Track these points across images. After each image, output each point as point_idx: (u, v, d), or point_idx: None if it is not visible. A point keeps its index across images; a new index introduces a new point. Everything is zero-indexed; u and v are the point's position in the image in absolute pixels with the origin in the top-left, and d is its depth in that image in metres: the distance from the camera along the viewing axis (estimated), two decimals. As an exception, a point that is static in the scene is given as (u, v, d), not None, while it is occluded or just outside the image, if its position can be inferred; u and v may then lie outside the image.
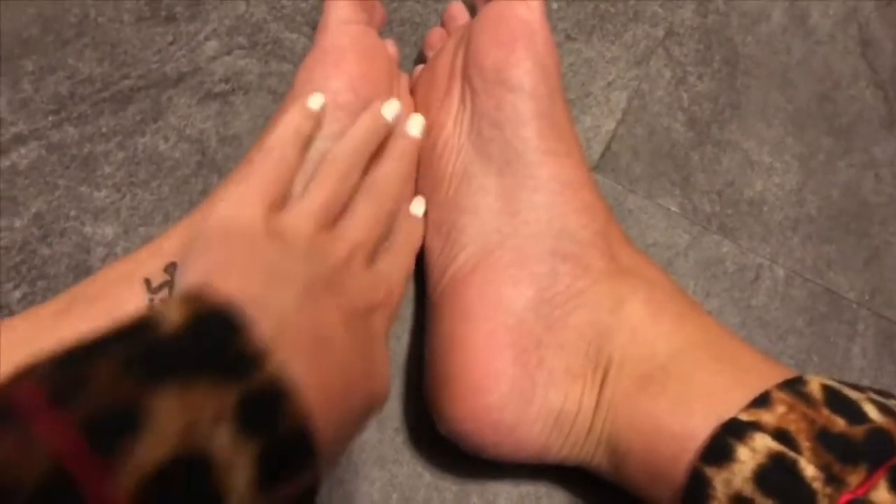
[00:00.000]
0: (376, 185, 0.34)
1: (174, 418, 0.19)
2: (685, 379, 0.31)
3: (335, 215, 0.32)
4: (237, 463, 0.20)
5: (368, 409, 0.29)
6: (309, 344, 0.25)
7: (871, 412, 0.28)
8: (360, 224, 0.32)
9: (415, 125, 0.37)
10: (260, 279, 0.25)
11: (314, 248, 0.29)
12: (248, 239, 0.27)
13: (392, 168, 0.35)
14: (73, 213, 0.40)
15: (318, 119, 0.34)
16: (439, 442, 0.35)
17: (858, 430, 0.28)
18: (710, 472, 0.28)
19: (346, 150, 0.33)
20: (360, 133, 0.34)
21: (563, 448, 0.33)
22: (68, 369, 0.20)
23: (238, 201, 0.29)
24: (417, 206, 0.38)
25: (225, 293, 0.23)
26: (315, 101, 0.34)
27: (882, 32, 0.48)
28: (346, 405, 0.26)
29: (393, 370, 0.39)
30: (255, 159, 0.31)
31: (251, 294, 0.24)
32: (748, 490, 0.27)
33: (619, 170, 0.44)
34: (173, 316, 0.22)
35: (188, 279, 0.25)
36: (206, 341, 0.21)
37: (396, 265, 0.34)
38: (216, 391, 0.20)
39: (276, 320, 0.24)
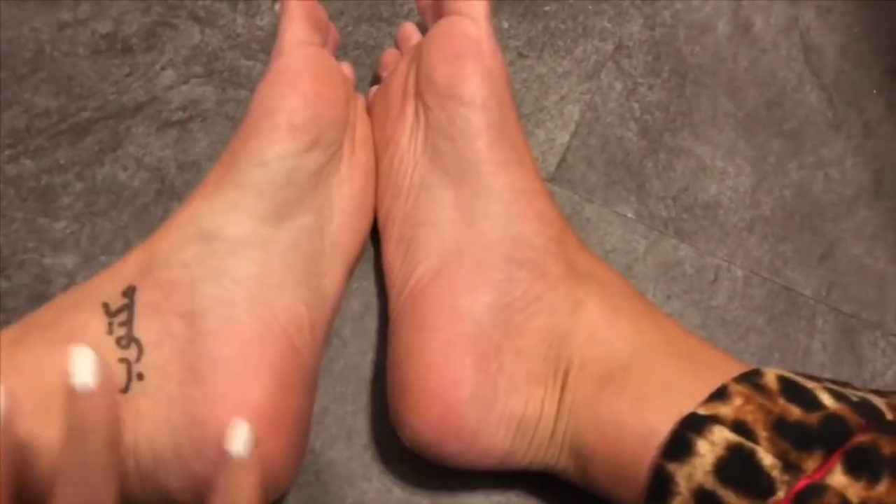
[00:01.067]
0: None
1: None
2: (644, 377, 0.32)
3: None
4: None
5: None
6: None
7: (826, 399, 0.29)
8: None
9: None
10: None
11: None
12: None
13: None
14: (31, 244, 0.40)
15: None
16: (408, 457, 0.35)
17: (813, 418, 0.28)
18: (671, 467, 0.29)
19: None
20: None
21: (528, 453, 0.33)
22: None
23: None
24: (237, 444, 0.27)
25: None
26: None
27: (823, 39, 0.50)
28: None
29: (360, 386, 0.39)
30: None
31: None
32: (709, 483, 0.28)
33: (575, 180, 0.44)
34: None
35: None
36: None
37: None
38: None
39: None
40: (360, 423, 0.38)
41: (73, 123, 0.42)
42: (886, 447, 0.27)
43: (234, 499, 0.26)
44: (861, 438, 0.27)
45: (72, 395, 0.24)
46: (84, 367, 0.24)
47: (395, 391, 0.34)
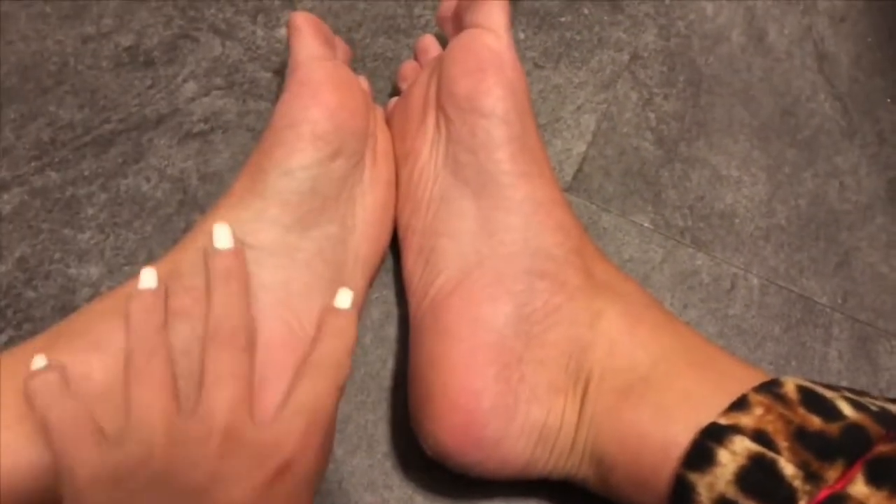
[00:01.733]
0: (218, 330, 0.31)
1: None
2: (665, 388, 0.32)
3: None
4: None
5: None
6: None
7: (846, 409, 0.29)
8: (222, 384, 0.30)
9: (221, 236, 0.34)
10: None
11: (178, 457, 0.28)
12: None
13: (223, 298, 0.32)
14: (57, 255, 0.40)
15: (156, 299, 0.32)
16: (429, 465, 0.36)
17: (834, 427, 0.28)
18: (693, 477, 0.29)
19: (222, 316, 0.32)
20: (223, 288, 0.32)
21: (549, 462, 0.34)
22: None
23: (69, 460, 0.28)
24: (344, 299, 0.35)
25: None
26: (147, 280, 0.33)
27: (837, 47, 0.50)
28: None
29: (380, 394, 0.39)
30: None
31: None
32: (731, 492, 0.28)
33: (591, 190, 0.45)
34: None
35: None
36: None
37: (314, 390, 0.31)
38: None
39: None
40: (381, 432, 0.38)
41: (96, 135, 0.43)
42: (907, 457, 0.27)
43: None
44: (882, 448, 0.28)
45: (213, 254, 0.33)
46: (223, 235, 0.33)
47: (417, 400, 0.35)
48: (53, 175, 0.42)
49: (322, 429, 0.31)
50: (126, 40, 0.45)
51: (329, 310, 0.34)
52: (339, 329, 0.34)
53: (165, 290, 0.33)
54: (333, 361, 0.32)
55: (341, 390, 0.33)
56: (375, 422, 0.39)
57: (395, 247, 0.41)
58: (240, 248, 0.34)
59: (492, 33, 0.37)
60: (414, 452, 0.36)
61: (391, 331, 0.41)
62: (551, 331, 0.34)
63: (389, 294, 0.41)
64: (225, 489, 0.28)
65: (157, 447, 0.28)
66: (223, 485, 0.28)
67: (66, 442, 0.28)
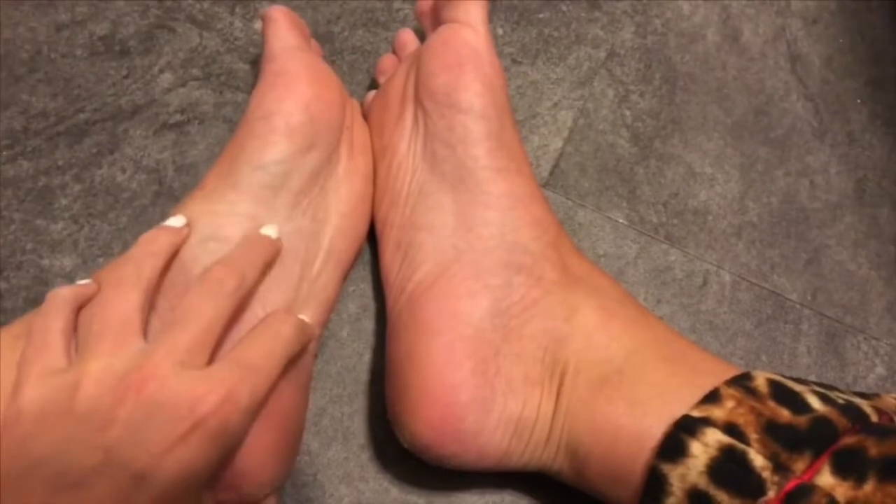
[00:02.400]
0: (210, 273, 0.31)
1: None
2: (638, 380, 0.32)
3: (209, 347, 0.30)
4: None
5: None
6: None
7: (814, 402, 0.30)
8: (184, 324, 0.29)
9: (270, 229, 0.35)
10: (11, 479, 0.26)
11: (91, 402, 0.27)
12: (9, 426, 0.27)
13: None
14: (29, 246, 0.40)
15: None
16: (405, 457, 0.36)
17: (802, 420, 0.29)
18: (666, 468, 0.29)
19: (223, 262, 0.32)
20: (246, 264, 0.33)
21: (525, 454, 0.34)
22: None
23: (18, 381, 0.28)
24: (270, 230, 0.35)
25: None
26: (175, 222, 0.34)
27: (809, 48, 0.51)
28: None
29: (356, 387, 0.39)
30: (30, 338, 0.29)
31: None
32: (703, 483, 0.28)
33: (568, 186, 0.45)
34: None
35: None
36: None
37: (253, 347, 0.31)
38: None
39: None
40: (357, 424, 0.38)
41: (70, 125, 0.42)
42: (872, 448, 0.28)
43: None
44: (848, 440, 0.28)
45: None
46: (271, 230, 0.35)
47: (395, 393, 0.35)
48: (26, 164, 0.41)
49: (254, 391, 0.29)
50: (101, 29, 0.45)
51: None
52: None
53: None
54: (282, 324, 0.32)
55: (294, 357, 0.32)
56: (351, 414, 0.39)
57: (372, 240, 0.41)
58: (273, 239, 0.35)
59: (470, 28, 0.37)
60: (390, 445, 0.37)
61: (368, 324, 0.41)
62: (528, 324, 0.34)
63: (367, 288, 0.41)
64: (134, 439, 0.27)
65: (88, 379, 0.27)
66: (133, 434, 0.27)
67: (31, 355, 0.28)
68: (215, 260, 0.32)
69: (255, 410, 0.30)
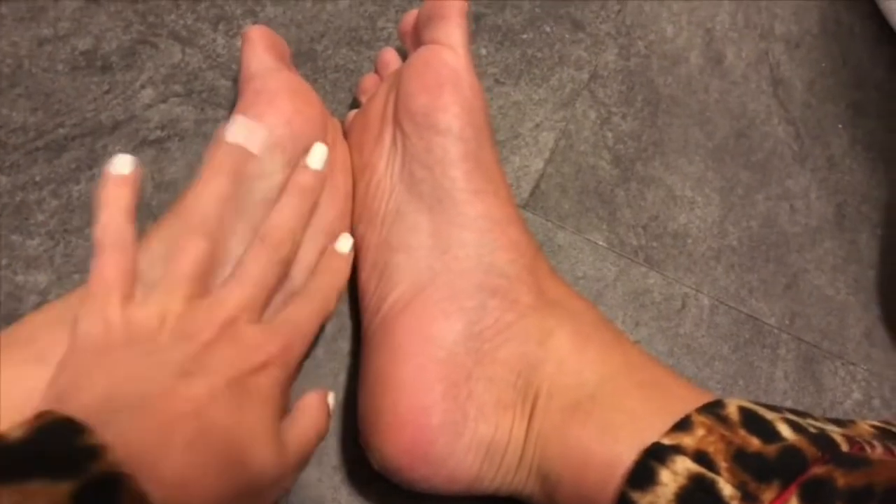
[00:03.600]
0: (268, 235, 0.34)
1: None
2: (611, 406, 0.32)
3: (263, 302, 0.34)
4: None
5: (250, 490, 0.29)
6: (156, 440, 0.26)
7: (784, 431, 0.30)
8: (246, 282, 0.33)
9: (317, 157, 0.37)
10: (103, 392, 0.28)
11: (178, 331, 0.30)
12: (97, 351, 0.29)
13: (287, 208, 0.35)
14: (4, 261, 0.39)
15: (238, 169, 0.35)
16: (377, 479, 0.36)
17: (772, 449, 0.29)
18: (635, 496, 0.29)
19: (278, 225, 0.35)
20: (293, 200, 0.36)
21: (496, 478, 0.34)
22: None
23: (89, 314, 0.30)
24: (344, 244, 0.38)
25: (71, 409, 0.26)
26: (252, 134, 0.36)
27: (792, 73, 0.51)
28: (211, 494, 0.27)
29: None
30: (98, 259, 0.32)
31: (94, 407, 0.27)
32: (672, 512, 0.28)
33: (548, 207, 0.45)
34: (17, 431, 0.24)
35: (45, 397, 0.28)
36: (43, 447, 0.24)
37: (302, 313, 0.34)
38: (49, 488, 0.23)
39: (118, 428, 0.26)
40: (331, 445, 0.38)
41: (49, 140, 0.42)
42: (840, 479, 0.28)
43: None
44: (817, 470, 0.28)
45: (301, 167, 0.37)
46: (317, 154, 0.37)
47: (366, 416, 0.35)
48: (3, 179, 0.41)
49: (299, 350, 0.33)
50: (83, 44, 0.45)
51: (329, 251, 0.37)
52: (334, 268, 0.37)
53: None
54: (323, 294, 0.36)
55: (322, 324, 0.35)
56: (325, 435, 0.38)
57: (350, 259, 0.41)
58: (326, 173, 0.37)
59: (450, 50, 0.37)
60: (363, 466, 0.36)
61: (344, 344, 0.41)
62: (502, 348, 0.34)
63: (343, 307, 0.41)
64: (203, 374, 0.29)
65: (170, 316, 0.30)
66: (201, 371, 0.29)
67: (100, 288, 0.31)
68: (274, 213, 0.35)
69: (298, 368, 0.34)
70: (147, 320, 0.30)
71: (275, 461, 0.30)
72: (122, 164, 0.33)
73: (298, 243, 0.36)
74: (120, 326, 0.30)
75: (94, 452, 0.24)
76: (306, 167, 0.37)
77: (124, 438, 0.25)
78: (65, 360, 0.29)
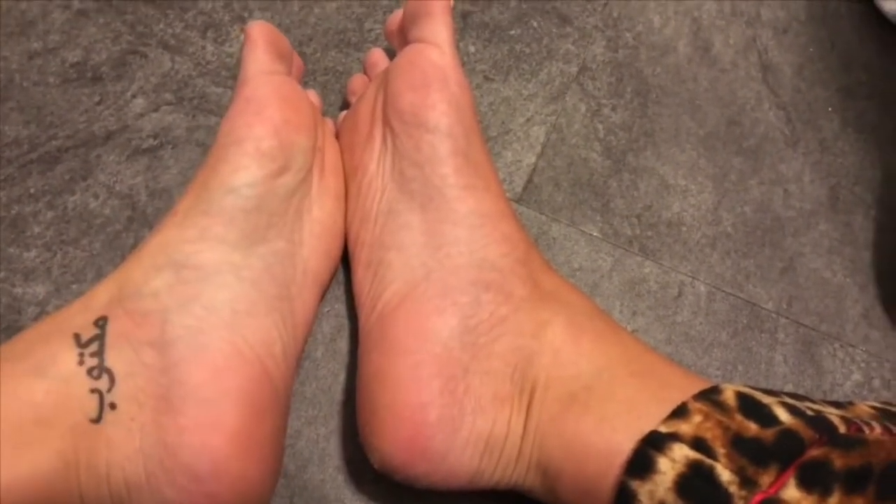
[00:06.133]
0: None
1: None
2: (608, 396, 0.32)
3: None
4: None
5: None
6: None
7: (782, 415, 0.30)
8: None
9: None
10: None
11: None
12: None
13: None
14: (2, 274, 0.40)
15: None
16: (381, 478, 0.36)
17: (769, 433, 0.29)
18: (634, 485, 0.29)
19: None
20: None
21: (496, 473, 0.34)
22: None
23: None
24: None
25: None
26: None
27: (780, 58, 0.51)
28: None
29: (332, 408, 0.39)
30: None
31: None
32: (670, 499, 0.28)
33: (541, 201, 0.45)
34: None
35: None
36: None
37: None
38: None
39: None
40: (333, 446, 0.38)
41: (43, 152, 0.43)
42: (838, 461, 0.28)
43: None
44: (814, 453, 0.28)
45: None
46: None
47: (364, 414, 0.35)
48: (-2, 193, 0.41)
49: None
50: (73, 56, 0.45)
51: None
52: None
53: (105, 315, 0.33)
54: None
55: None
56: (327, 436, 0.39)
57: (346, 260, 0.41)
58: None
59: (436, 48, 0.38)
60: (366, 466, 0.37)
61: (343, 344, 0.41)
62: (497, 342, 0.34)
63: (341, 308, 0.42)
64: None
65: None
66: None
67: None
68: None
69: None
70: None
71: None
72: None
73: None
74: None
75: None
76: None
77: None
78: None
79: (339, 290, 0.42)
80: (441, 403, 0.33)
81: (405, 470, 0.34)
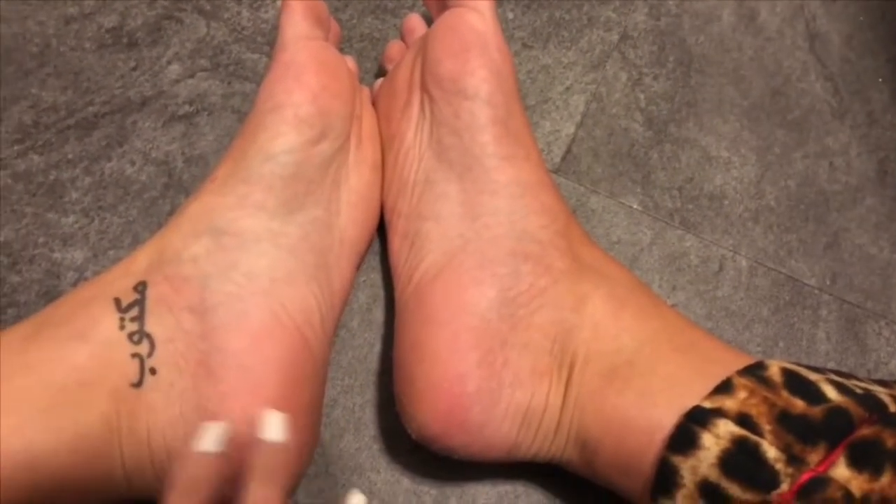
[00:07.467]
0: None
1: None
2: (649, 372, 0.32)
3: None
4: None
5: None
6: None
7: (830, 392, 0.29)
8: None
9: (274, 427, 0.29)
10: None
11: None
12: None
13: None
14: (41, 239, 0.40)
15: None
16: (416, 448, 0.36)
17: (817, 411, 0.28)
18: (676, 460, 0.29)
19: None
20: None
21: (533, 445, 0.34)
22: None
23: None
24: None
25: None
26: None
27: (828, 26, 0.50)
28: None
29: (368, 378, 0.39)
30: None
31: None
32: (714, 475, 0.28)
33: (580, 172, 0.45)
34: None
35: None
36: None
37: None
38: None
39: None
40: (368, 415, 0.38)
41: (80, 118, 0.42)
42: (889, 440, 0.27)
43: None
44: (864, 431, 0.28)
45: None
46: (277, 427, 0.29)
47: (401, 384, 0.35)
48: (36, 158, 0.41)
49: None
50: (109, 21, 0.45)
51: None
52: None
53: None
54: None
55: None
56: (363, 405, 0.39)
57: (382, 230, 0.40)
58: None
59: (476, 13, 0.37)
60: (401, 436, 0.37)
61: (378, 314, 0.40)
62: (536, 314, 0.34)
63: (377, 277, 0.41)
64: None
65: None
66: None
67: None
68: None
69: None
70: None
71: None
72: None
73: None
74: None
75: None
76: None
77: None
78: None
79: (374, 260, 0.41)
80: (479, 375, 0.33)
81: (442, 440, 0.33)
